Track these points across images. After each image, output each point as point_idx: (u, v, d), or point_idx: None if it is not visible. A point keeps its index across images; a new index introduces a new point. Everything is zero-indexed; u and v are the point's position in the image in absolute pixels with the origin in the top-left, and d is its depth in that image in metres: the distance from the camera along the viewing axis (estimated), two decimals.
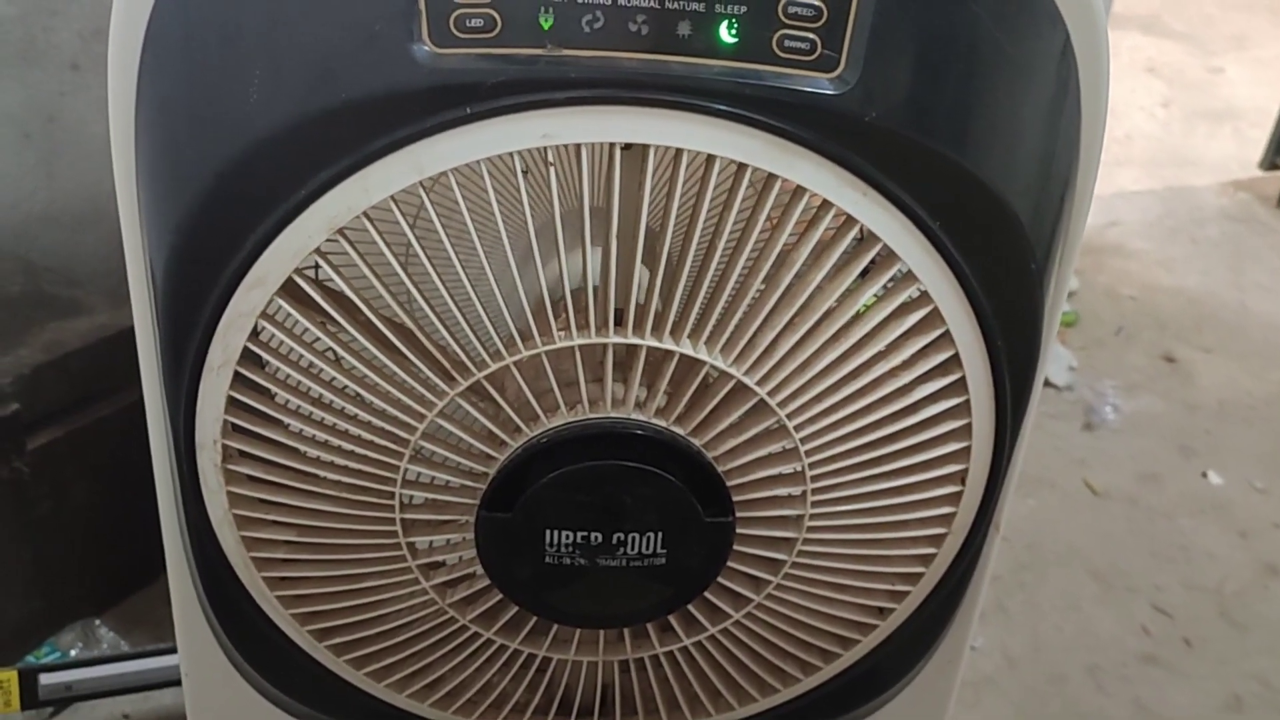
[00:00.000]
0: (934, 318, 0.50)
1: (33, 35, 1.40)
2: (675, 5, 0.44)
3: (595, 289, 0.48)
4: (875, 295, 0.49)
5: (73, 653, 1.17)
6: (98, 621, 1.21)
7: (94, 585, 1.22)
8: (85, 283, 1.34)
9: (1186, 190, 2.59)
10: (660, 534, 0.51)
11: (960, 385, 0.51)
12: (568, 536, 0.51)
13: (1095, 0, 0.48)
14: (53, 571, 1.17)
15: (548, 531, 0.51)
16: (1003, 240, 0.49)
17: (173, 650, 1.08)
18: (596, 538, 0.51)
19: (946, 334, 0.50)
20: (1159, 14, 3.60)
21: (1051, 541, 1.52)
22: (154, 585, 1.30)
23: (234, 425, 0.51)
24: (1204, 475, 1.66)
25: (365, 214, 0.46)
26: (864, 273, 0.50)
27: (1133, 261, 2.25)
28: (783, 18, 0.44)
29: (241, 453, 0.52)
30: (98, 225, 1.51)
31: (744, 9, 0.44)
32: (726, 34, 0.45)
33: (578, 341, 0.48)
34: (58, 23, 1.41)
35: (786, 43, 0.45)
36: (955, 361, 0.51)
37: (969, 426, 0.53)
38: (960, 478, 0.54)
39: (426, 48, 0.44)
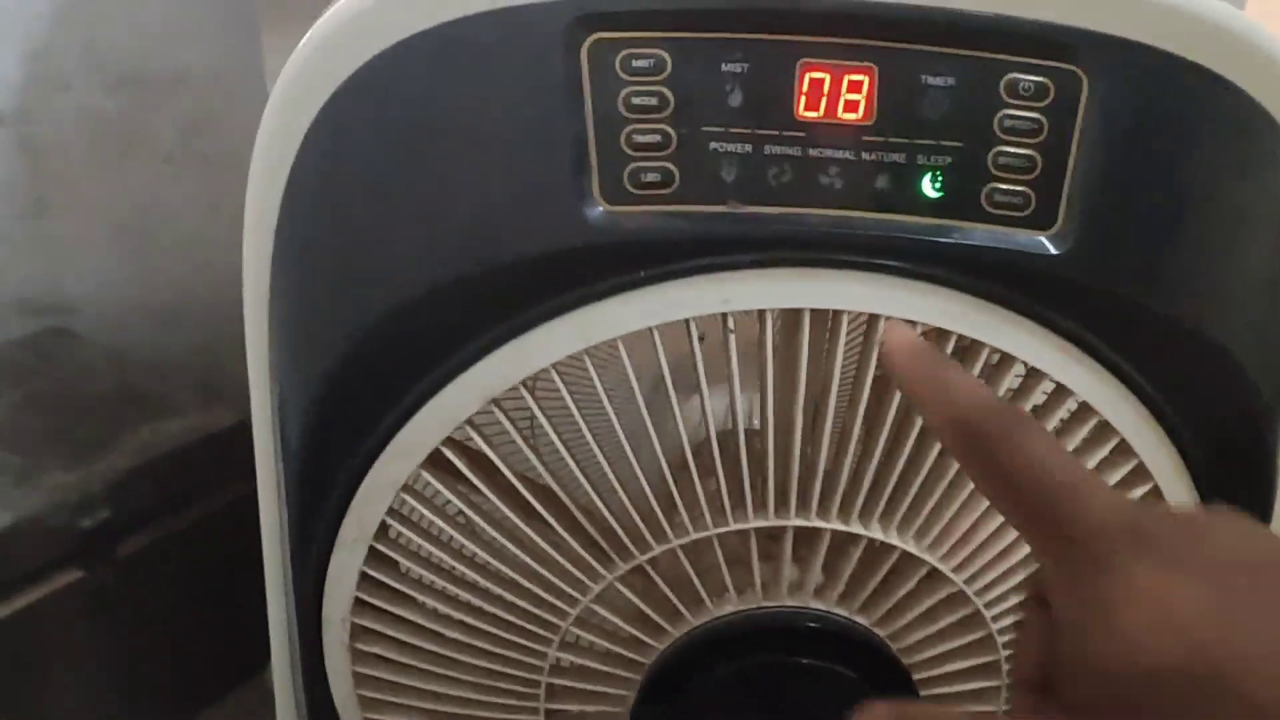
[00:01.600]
0: (1154, 496, 0.44)
1: (131, 130, 1.40)
2: (872, 156, 0.40)
3: (775, 463, 0.43)
4: None
5: None
6: None
7: (174, 696, 1.18)
8: (175, 377, 1.33)
9: None
10: None
11: None
12: None
13: None
14: (133, 683, 1.14)
15: None
16: (1231, 407, 0.44)
17: None
18: None
19: None
20: None
21: None
22: (232, 696, 1.26)
23: (363, 602, 0.46)
24: None
25: (523, 383, 0.41)
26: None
27: None
28: (993, 169, 0.40)
29: (371, 631, 0.47)
30: (187, 317, 1.50)
31: (949, 160, 0.40)
32: (930, 188, 0.40)
33: (754, 524, 0.43)
34: (156, 117, 1.41)
35: (996, 197, 0.40)
36: None
37: None
38: None
39: (598, 205, 0.39)
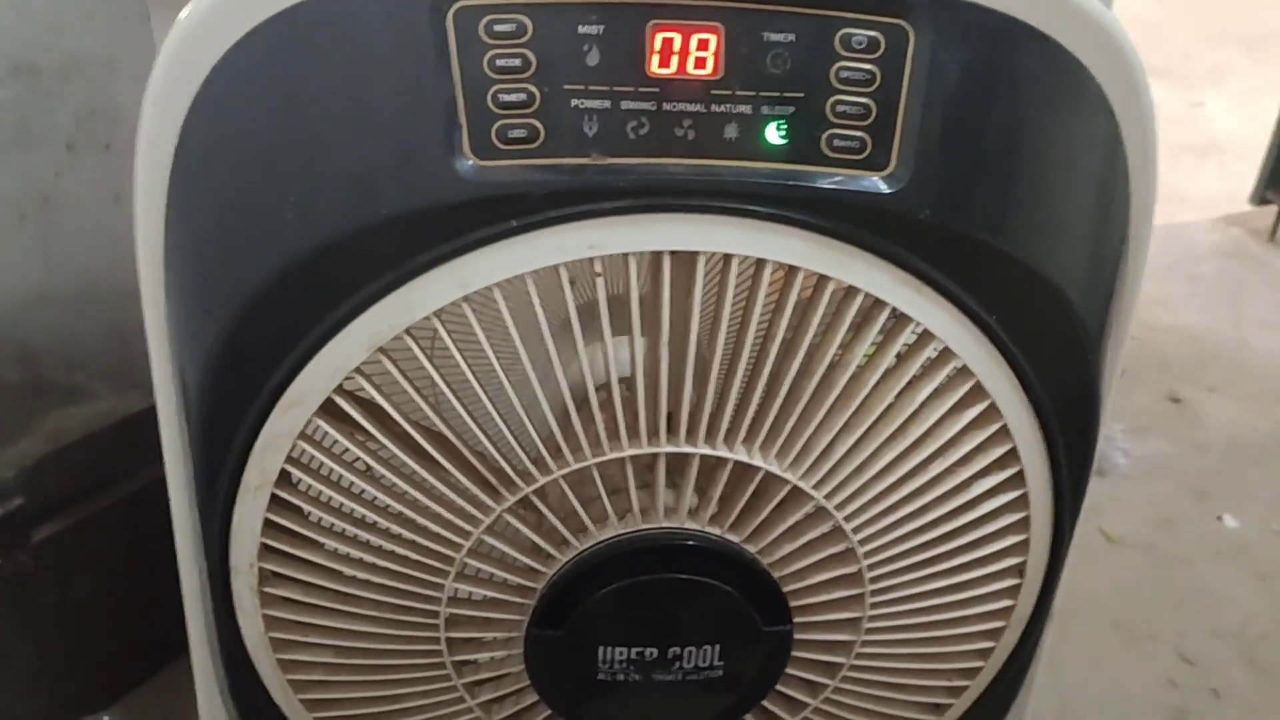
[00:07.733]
0: (991, 412, 0.48)
1: (28, 118, 1.39)
2: (721, 108, 0.43)
3: (645, 395, 0.46)
4: (930, 391, 0.48)
5: None
6: (106, 717, 1.18)
7: (99, 678, 1.19)
8: (84, 365, 1.32)
9: (1178, 227, 2.60)
10: (717, 646, 0.49)
11: (1018, 478, 0.50)
12: (621, 653, 0.49)
13: (1144, 89, 0.47)
14: (57, 666, 1.14)
15: (600, 648, 0.49)
16: (1058, 330, 0.48)
17: None
18: (651, 653, 0.49)
19: (1004, 428, 0.48)
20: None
21: (1070, 593, 1.49)
22: (159, 676, 1.27)
23: (269, 547, 0.49)
24: (1219, 519, 1.64)
25: (408, 331, 0.44)
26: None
27: None
28: (831, 117, 0.43)
29: (278, 575, 0.50)
30: (95, 305, 1.49)
31: (791, 110, 0.43)
32: (775, 135, 0.43)
33: (629, 452, 0.46)
34: (53, 104, 1.40)
35: (836, 142, 0.44)
36: (1013, 455, 0.49)
37: (1027, 519, 0.51)
38: (1019, 570, 0.53)
39: (469, 161, 0.42)
